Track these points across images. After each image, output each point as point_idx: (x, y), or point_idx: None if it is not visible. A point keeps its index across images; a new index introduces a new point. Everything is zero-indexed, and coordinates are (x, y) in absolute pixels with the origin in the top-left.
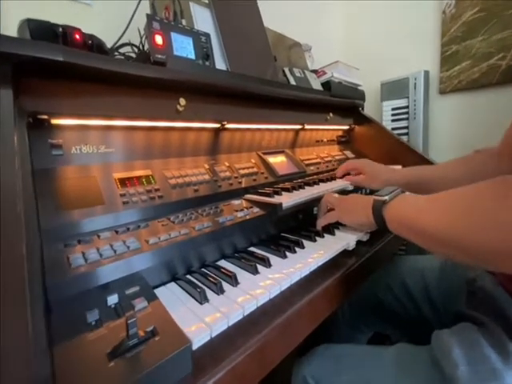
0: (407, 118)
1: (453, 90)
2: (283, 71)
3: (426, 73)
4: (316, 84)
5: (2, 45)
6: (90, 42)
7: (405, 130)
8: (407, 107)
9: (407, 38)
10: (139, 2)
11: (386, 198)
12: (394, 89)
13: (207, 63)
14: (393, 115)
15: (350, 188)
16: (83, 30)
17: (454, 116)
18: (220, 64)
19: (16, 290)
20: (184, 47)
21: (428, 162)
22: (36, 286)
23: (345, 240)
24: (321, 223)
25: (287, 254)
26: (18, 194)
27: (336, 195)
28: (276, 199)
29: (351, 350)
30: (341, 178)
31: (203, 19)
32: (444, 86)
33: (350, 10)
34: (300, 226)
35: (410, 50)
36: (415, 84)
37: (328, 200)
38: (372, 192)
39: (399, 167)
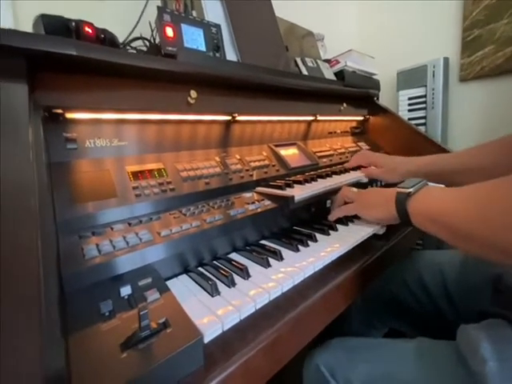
0: (425, 108)
1: (474, 77)
2: (295, 61)
3: (446, 60)
4: (329, 74)
5: (17, 40)
6: (102, 36)
7: (422, 121)
8: (425, 96)
9: (425, 23)
10: None
11: (411, 190)
12: (411, 77)
13: (218, 55)
14: (409, 105)
15: (365, 180)
16: (95, 25)
17: (475, 105)
18: (231, 55)
19: (30, 281)
20: (194, 39)
21: None
22: (51, 276)
23: (359, 233)
24: (335, 215)
25: (299, 247)
26: (32, 187)
27: (354, 189)
28: (288, 192)
29: (367, 342)
30: (352, 169)
31: (214, 10)
32: (465, 73)
33: None
34: (312, 219)
35: (428, 36)
36: (434, 72)
37: (346, 195)
38: (388, 185)
39: None
